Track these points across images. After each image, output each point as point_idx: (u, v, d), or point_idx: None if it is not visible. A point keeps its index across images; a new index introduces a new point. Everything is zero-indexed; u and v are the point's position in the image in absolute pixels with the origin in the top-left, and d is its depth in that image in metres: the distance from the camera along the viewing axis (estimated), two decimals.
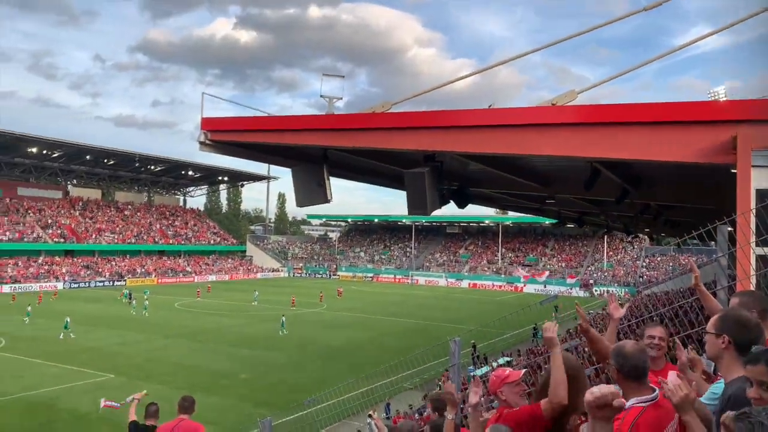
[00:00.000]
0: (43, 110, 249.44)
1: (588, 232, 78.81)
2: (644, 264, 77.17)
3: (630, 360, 2.73)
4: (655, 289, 46.38)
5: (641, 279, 71.16)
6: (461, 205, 12.52)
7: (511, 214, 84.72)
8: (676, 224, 24.50)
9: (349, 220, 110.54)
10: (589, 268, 79.39)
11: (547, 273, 77.48)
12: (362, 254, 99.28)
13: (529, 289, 72.99)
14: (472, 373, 20.34)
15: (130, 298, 52.01)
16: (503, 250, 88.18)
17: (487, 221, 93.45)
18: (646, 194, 13.25)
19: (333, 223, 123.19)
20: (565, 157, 8.06)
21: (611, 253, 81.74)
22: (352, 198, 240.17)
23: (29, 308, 42.13)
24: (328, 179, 10.09)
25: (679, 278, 47.58)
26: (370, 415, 16.65)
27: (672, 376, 2.54)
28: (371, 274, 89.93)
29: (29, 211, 75.53)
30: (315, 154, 10.47)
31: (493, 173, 11.39)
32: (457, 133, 8.25)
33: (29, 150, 70.15)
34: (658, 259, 77.19)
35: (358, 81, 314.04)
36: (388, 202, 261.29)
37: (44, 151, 72.42)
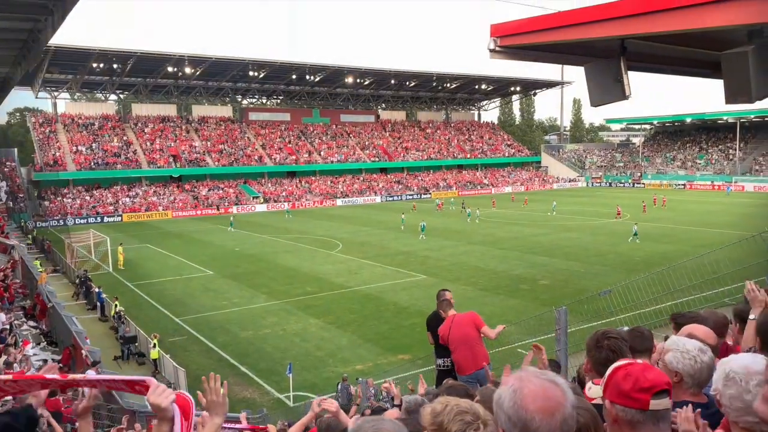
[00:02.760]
0: None
1: None
2: None
3: None
4: None
5: None
6: None
7: None
8: None
9: (655, 122, 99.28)
10: None
11: None
12: (672, 159, 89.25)
13: None
14: None
15: (463, 207, 56.77)
16: None
17: None
18: None
19: (636, 126, 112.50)
20: None
21: None
22: (657, 95, 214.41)
23: (403, 216, 48.67)
24: (626, 73, 9.24)
25: None
26: None
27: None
28: (683, 182, 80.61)
29: (350, 135, 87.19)
30: (611, 47, 9.64)
31: None
32: None
33: (346, 80, 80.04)
34: None
35: None
36: (704, 97, 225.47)
37: (358, 80, 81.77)
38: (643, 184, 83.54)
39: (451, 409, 2.01)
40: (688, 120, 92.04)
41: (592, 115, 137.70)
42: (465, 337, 6.78)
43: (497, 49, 10.36)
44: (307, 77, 76.61)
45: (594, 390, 2.69)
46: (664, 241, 36.71)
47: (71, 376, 2.43)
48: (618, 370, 1.99)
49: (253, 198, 69.45)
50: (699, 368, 2.54)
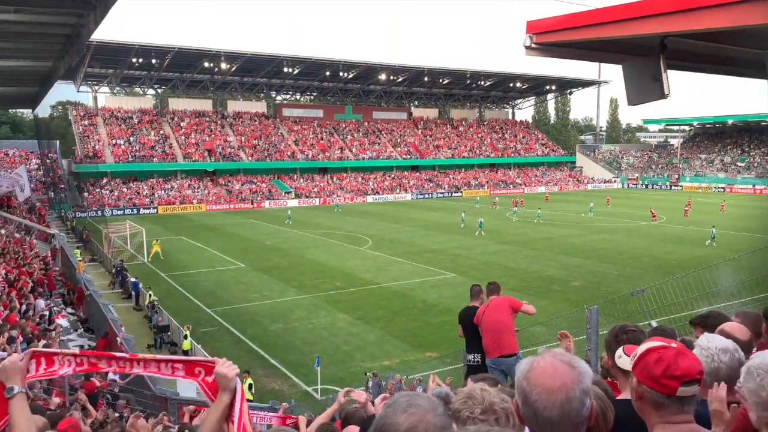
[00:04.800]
0: None
1: None
2: None
3: None
4: None
5: None
6: None
7: None
8: None
9: (695, 123, 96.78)
10: None
11: None
12: (711, 162, 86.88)
13: None
14: None
15: (516, 204, 55.85)
16: None
17: None
18: None
19: (674, 127, 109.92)
20: None
21: None
22: (698, 96, 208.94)
23: (463, 214, 49.13)
24: (665, 72, 9.02)
25: None
26: None
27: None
28: (723, 185, 78.41)
29: (382, 132, 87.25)
30: (650, 44, 9.43)
31: None
32: None
33: (379, 77, 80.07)
34: None
35: None
36: (747, 97, 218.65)
37: (391, 77, 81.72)
38: (681, 186, 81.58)
39: (465, 394, 2.05)
40: (730, 121, 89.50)
41: (629, 116, 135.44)
42: (495, 323, 6.87)
43: (533, 46, 10.19)
44: (341, 74, 76.89)
45: (623, 360, 2.65)
46: (701, 245, 35.80)
47: (140, 355, 2.46)
48: (651, 352, 1.94)
49: (285, 193, 70.13)
50: (715, 367, 2.49)
